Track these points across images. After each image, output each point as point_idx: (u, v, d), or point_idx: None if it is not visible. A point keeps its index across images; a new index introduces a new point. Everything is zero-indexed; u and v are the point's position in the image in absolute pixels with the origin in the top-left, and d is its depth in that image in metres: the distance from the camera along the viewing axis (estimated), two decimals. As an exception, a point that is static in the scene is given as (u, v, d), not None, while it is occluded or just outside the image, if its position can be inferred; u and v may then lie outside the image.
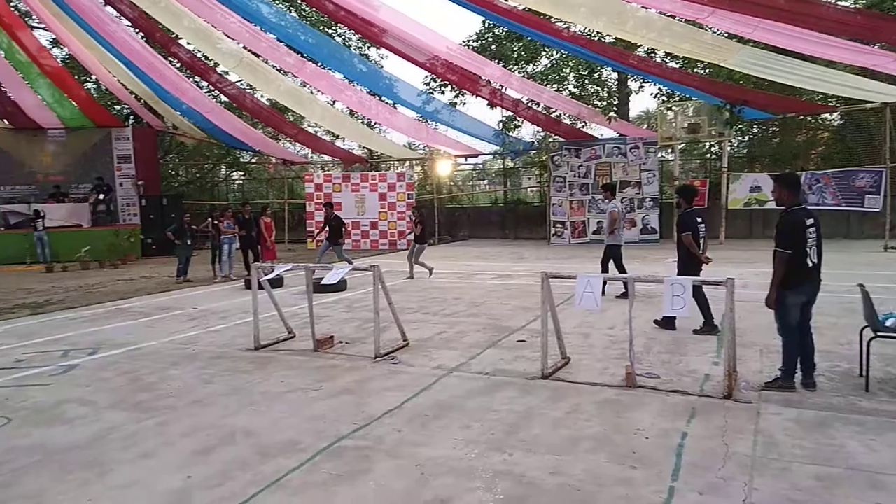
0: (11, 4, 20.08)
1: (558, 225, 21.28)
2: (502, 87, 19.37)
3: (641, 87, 22.25)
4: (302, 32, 17.77)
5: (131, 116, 24.00)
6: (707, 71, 18.35)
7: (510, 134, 22.08)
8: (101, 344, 7.87)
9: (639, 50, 18.53)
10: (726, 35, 14.47)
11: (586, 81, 21.22)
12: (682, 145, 19.85)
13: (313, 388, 5.78)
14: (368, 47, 24.38)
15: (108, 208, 20.89)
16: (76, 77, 21.22)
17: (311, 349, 7.23)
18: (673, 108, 19.13)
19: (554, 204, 21.25)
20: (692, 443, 4.28)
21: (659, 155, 20.54)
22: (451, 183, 25.71)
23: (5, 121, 21.22)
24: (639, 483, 3.72)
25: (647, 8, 13.09)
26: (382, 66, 23.37)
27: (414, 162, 25.83)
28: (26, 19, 20.61)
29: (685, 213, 7.70)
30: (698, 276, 7.23)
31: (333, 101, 22.44)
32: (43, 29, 21.40)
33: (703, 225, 7.57)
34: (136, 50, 17.09)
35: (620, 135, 20.64)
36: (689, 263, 7.51)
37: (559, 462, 4.03)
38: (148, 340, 8.00)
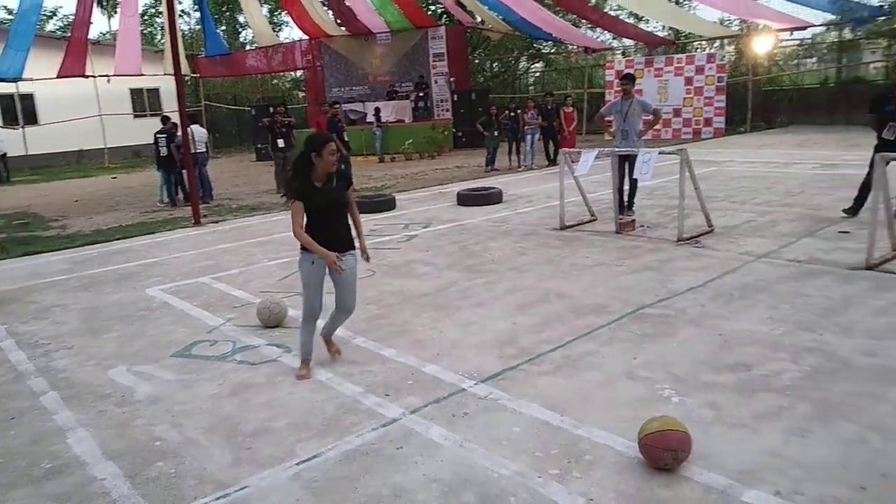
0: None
1: (907, 106, 17.90)
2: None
3: None
4: None
5: (444, 15, 25.72)
6: None
7: (852, -2, 18.73)
8: (432, 220, 9.22)
9: None
10: None
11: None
12: None
13: (616, 264, 6.18)
14: None
15: (426, 104, 23.14)
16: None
17: (612, 231, 7.59)
18: None
19: (904, 81, 17.84)
20: None
21: None
22: (772, 63, 22.88)
23: (343, 28, 24.39)
24: (976, 374, 3.46)
25: None
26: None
27: (727, 41, 23.53)
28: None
29: None
30: None
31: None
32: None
33: None
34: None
35: None
36: None
37: (877, 346, 3.89)
38: (467, 219, 9.12)
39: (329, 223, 3.80)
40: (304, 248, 3.86)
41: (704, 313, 4.67)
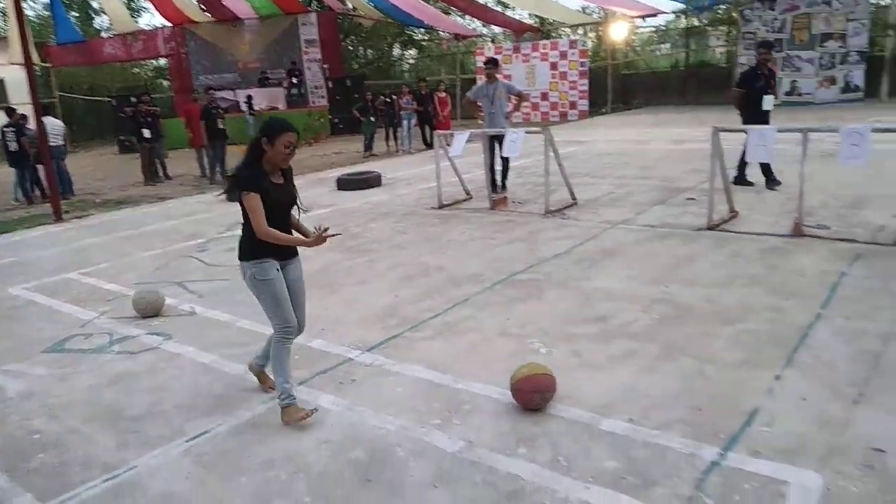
0: None
1: (745, 87, 19.77)
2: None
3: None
4: None
5: (314, 1, 25.30)
6: None
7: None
8: (312, 205, 9.14)
9: None
10: None
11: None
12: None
13: (490, 238, 6.53)
14: None
15: (300, 91, 22.75)
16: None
17: (487, 208, 7.97)
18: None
19: (741, 64, 19.67)
20: (850, 281, 4.48)
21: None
22: (629, 48, 24.42)
23: (208, 13, 23.39)
24: (787, 310, 4.06)
25: None
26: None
27: (588, 28, 24.83)
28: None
29: None
30: None
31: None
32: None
33: None
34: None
35: (824, -21, 18.28)
36: None
37: (714, 293, 4.45)
38: (348, 203, 9.21)
39: (278, 223, 3.21)
40: (255, 258, 3.22)
41: (569, 276, 5.09)
